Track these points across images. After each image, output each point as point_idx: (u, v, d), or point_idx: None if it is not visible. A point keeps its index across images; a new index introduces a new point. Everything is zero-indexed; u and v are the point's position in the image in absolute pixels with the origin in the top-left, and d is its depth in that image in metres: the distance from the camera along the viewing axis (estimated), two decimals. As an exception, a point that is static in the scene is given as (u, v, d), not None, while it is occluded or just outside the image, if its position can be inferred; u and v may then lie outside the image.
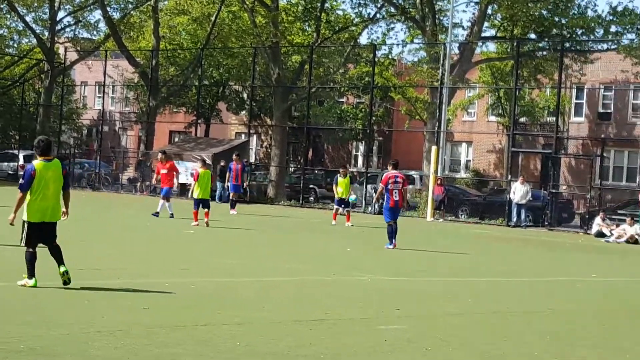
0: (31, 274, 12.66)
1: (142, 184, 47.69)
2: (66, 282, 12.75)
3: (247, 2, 48.28)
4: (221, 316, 11.68)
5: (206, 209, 26.94)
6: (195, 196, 27.52)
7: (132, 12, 56.42)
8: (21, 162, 55.22)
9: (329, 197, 44.88)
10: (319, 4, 48.38)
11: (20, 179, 12.84)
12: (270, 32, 46.85)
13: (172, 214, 29.54)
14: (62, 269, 12.70)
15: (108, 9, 53.96)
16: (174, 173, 30.64)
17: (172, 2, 53.95)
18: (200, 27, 53.75)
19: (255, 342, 10.04)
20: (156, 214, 29.17)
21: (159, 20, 51.89)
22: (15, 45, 69.62)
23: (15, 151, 58.38)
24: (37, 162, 12.66)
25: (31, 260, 12.66)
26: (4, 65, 64.87)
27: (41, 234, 12.73)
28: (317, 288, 15.33)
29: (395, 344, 10.48)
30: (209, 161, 42.51)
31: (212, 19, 50.52)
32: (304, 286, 15.53)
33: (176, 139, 63.39)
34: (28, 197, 12.65)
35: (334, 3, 51.91)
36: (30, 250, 12.68)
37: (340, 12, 52.37)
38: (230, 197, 35.87)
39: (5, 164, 57.24)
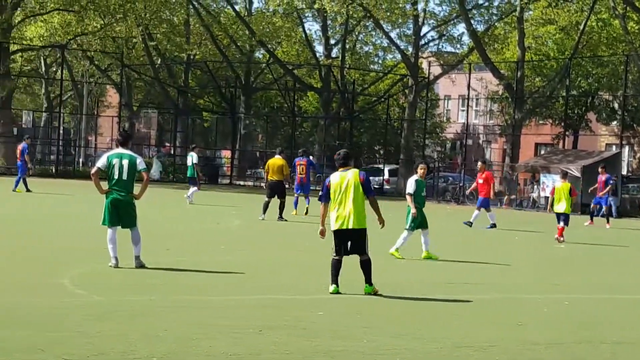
0: (333, 280, 12.84)
1: (508, 197, 46.74)
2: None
3: (619, 9, 46.01)
4: (598, 334, 10.91)
5: (563, 225, 25.05)
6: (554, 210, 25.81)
7: (496, 24, 55.85)
8: (386, 176, 56.28)
9: None
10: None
11: (320, 192, 13.34)
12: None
13: (493, 224, 28.76)
14: (367, 288, 12.91)
15: (472, 22, 53.71)
16: (491, 184, 29.76)
17: (538, 12, 52.76)
18: (567, 36, 52.13)
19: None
20: (469, 223, 28.80)
21: (524, 31, 50.87)
22: (380, 61, 71.53)
23: (380, 165, 59.64)
24: (335, 174, 13.02)
25: (335, 266, 12.82)
26: (369, 82, 66.70)
27: (345, 241, 12.81)
28: None
29: None
30: (577, 173, 40.81)
31: (581, 27, 48.76)
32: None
33: (542, 152, 61.95)
34: (330, 207, 12.98)
35: None
36: (336, 257, 12.82)
37: None
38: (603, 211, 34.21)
39: (371, 178, 58.59)
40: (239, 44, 62.85)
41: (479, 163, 31.53)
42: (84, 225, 21.83)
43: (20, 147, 36.03)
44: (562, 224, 24.60)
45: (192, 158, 34.17)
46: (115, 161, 14.54)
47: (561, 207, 24.64)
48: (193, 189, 33.27)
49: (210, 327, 10.10)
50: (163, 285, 13.04)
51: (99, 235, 16.87)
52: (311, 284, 13.80)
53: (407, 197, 18.59)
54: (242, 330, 9.94)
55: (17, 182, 34.63)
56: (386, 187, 55.65)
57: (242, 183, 58.70)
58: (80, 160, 62.97)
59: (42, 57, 67.85)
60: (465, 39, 60.92)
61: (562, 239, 24.25)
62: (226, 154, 66.72)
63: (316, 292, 12.96)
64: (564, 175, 26.89)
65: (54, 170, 53.79)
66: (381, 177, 56.59)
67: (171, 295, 12.25)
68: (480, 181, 29.75)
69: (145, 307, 11.17)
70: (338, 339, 9.80)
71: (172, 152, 63.22)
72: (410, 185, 18.86)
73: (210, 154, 66.47)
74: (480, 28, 55.85)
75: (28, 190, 34.37)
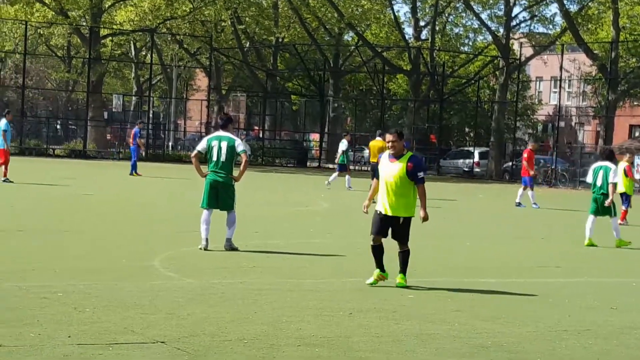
0: (377, 265, 11.83)
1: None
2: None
3: None
4: None
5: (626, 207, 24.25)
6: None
7: (589, 3, 54.67)
8: (476, 159, 55.69)
9: None
10: None
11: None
12: None
13: (519, 203, 28.67)
14: (400, 279, 11.82)
15: (565, 2, 52.72)
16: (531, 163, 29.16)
17: (633, -9, 51.47)
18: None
19: None
20: (519, 205, 28.61)
21: (618, 11, 49.72)
22: (470, 43, 70.76)
23: (471, 148, 59.04)
24: (384, 154, 11.99)
25: (375, 251, 11.81)
26: (459, 64, 65.99)
27: (386, 225, 11.75)
28: None
29: None
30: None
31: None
32: None
33: (637, 134, 60.63)
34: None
35: None
36: (374, 241, 11.81)
37: None
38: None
39: (461, 161, 58.05)
40: (327, 26, 62.76)
41: (531, 144, 31.05)
42: (179, 208, 22.04)
43: (133, 131, 36.59)
44: (624, 206, 23.92)
45: (342, 145, 34.30)
46: (215, 143, 14.57)
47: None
48: (335, 175, 33.72)
49: (300, 309, 10.04)
50: (253, 268, 13.03)
51: (191, 217, 17.02)
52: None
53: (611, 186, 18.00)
54: (332, 313, 9.86)
55: (134, 166, 35.29)
56: (476, 169, 55.14)
57: (330, 166, 58.68)
58: (170, 143, 63.72)
59: (132, 42, 68.77)
60: (558, 19, 59.89)
61: (624, 222, 23.40)
62: (315, 137, 66.81)
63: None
64: (622, 153, 26.30)
65: (143, 154, 54.51)
66: (471, 160, 56.03)
67: (261, 278, 12.24)
68: (525, 163, 29.22)
69: (236, 289, 11.16)
70: (428, 322, 9.66)
71: (260, 135, 63.53)
72: (617, 174, 18.93)
73: (299, 137, 66.63)
74: (573, 8, 54.80)
75: (135, 174, 35.01)
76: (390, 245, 11.87)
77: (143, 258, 13.31)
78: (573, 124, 72.23)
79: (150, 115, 61.86)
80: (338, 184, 33.10)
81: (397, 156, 11.73)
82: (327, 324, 9.30)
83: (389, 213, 11.64)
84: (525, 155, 29.76)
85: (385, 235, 11.79)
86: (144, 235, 16.38)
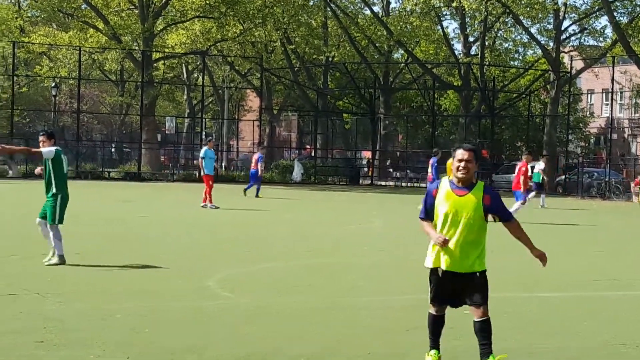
0: (433, 342, 8.52)
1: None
2: None
3: None
4: None
5: None
6: None
7: (640, 14, 54.21)
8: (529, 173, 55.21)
9: None
10: None
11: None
12: None
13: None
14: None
15: (615, 14, 52.26)
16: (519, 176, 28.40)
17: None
18: None
19: None
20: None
21: (669, 21, 49.19)
22: (520, 57, 70.43)
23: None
24: (444, 181, 8.32)
25: (434, 323, 8.50)
26: (509, 78, 65.73)
27: (449, 286, 8.26)
28: None
29: None
30: None
31: None
32: None
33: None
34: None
35: None
36: (434, 310, 8.49)
37: None
38: None
39: (513, 175, 57.59)
40: (377, 44, 62.88)
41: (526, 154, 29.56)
42: (236, 229, 22.19)
43: (256, 157, 37.02)
44: None
45: (539, 166, 34.37)
46: None
47: None
48: (532, 193, 32.86)
49: (355, 327, 10.08)
50: (309, 287, 13.09)
51: (249, 239, 17.12)
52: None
53: None
54: (388, 331, 9.90)
55: (255, 188, 35.85)
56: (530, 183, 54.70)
57: (382, 183, 58.65)
58: (223, 164, 64.15)
59: (183, 64, 69.42)
60: (608, 31, 59.40)
61: None
62: (367, 154, 66.85)
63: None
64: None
65: (197, 175, 54.89)
66: (524, 175, 55.63)
67: (315, 296, 12.29)
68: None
69: (292, 308, 11.23)
70: (486, 339, 9.61)
71: (312, 154, 63.70)
72: None
73: (351, 155, 66.74)
74: (623, 20, 54.32)
75: (250, 194, 35.68)
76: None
77: (199, 278, 13.42)
78: (626, 135, 71.44)
79: (203, 137, 62.32)
80: (387, 202, 33.03)
81: (467, 185, 8.15)
82: (383, 342, 9.34)
83: (458, 269, 8.12)
84: (523, 168, 27.41)
85: (455, 303, 8.40)
86: (200, 256, 16.50)
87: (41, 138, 14.54)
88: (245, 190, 36.27)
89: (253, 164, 37.13)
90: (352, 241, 20.39)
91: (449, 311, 8.51)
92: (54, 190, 14.29)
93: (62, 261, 14.23)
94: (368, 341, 9.35)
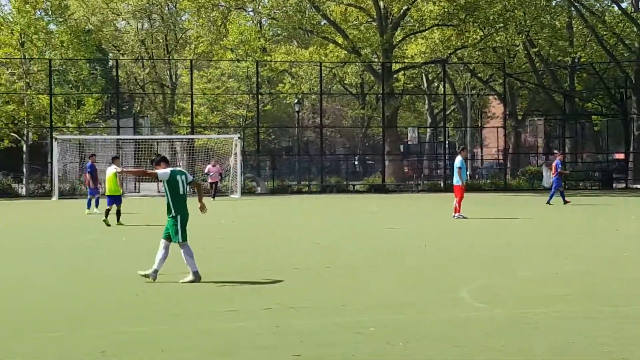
0: None
1: None
2: None
3: None
4: None
5: None
6: None
7: None
8: None
9: None
10: None
11: None
12: None
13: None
14: None
15: None
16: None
17: None
18: None
19: None
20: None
21: None
22: None
23: None
24: None
25: None
26: None
27: None
28: None
29: None
30: None
31: None
32: None
33: None
34: None
35: None
36: None
37: None
38: None
39: None
40: (626, 42, 60.36)
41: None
42: (490, 239, 21.67)
43: (555, 163, 36.58)
44: None
45: None
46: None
47: None
48: None
49: (620, 338, 9.42)
50: (564, 297, 12.42)
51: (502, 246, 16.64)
52: None
53: None
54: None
55: (562, 196, 35.37)
56: None
57: (638, 187, 56.01)
58: (467, 173, 63.48)
59: (423, 74, 69.37)
60: None
61: None
62: (620, 157, 64.35)
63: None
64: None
65: (442, 184, 54.53)
66: None
67: (574, 306, 11.65)
68: None
69: (549, 319, 10.67)
70: None
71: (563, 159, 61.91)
72: None
73: (602, 158, 64.39)
74: None
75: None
76: None
77: (451, 289, 13.04)
78: None
79: (446, 146, 61.97)
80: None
81: None
82: None
83: None
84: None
85: None
86: (451, 267, 16.11)
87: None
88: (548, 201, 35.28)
89: (553, 171, 36.19)
90: (609, 246, 19.32)
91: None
92: (173, 213, 14.15)
93: (196, 277, 13.94)
94: (636, 354, 8.64)
